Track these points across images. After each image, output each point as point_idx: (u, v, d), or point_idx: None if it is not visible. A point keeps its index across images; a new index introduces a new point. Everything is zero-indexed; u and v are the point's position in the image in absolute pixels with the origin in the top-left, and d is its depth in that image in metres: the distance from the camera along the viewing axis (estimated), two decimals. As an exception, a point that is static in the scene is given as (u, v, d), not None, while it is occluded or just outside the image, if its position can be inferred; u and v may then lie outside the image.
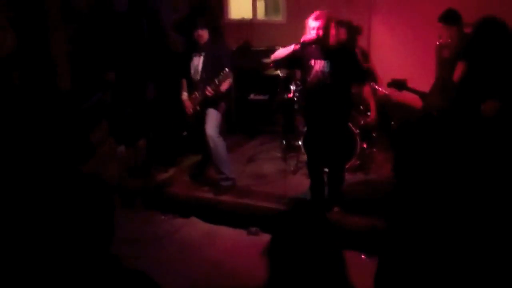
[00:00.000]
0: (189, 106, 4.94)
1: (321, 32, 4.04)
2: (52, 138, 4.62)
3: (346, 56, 4.17)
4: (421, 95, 4.66)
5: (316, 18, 4.05)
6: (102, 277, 1.43)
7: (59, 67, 5.13)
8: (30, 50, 4.80)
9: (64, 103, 4.98)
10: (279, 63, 4.51)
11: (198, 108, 4.86)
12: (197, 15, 5.18)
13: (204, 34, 4.78)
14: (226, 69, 4.55)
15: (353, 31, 5.64)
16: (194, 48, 4.89)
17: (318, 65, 4.15)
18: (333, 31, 4.08)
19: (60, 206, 1.42)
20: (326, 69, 4.10)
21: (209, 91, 4.61)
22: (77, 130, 4.99)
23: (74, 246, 1.42)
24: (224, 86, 4.68)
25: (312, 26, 4.06)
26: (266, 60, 4.32)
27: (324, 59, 4.12)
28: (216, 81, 4.58)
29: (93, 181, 1.49)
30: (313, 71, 4.16)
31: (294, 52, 4.15)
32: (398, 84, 4.55)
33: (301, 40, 4.08)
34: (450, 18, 4.70)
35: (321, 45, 4.12)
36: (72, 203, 1.43)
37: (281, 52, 4.28)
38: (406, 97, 5.16)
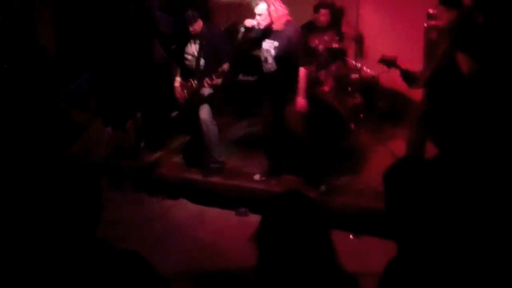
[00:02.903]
0: (181, 93, 4.90)
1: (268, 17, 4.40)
2: (38, 119, 4.57)
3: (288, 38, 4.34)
4: (408, 74, 4.61)
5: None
6: (92, 259, 1.43)
7: (45, 42, 5.05)
8: (17, 31, 4.72)
9: (50, 84, 4.91)
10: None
11: (189, 96, 4.86)
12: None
13: (197, 27, 4.73)
14: (225, 66, 4.55)
15: (336, 12, 5.59)
16: (188, 34, 4.81)
17: (266, 45, 4.45)
18: (273, 14, 4.32)
19: (47, 188, 1.41)
20: (272, 51, 4.39)
21: (207, 82, 4.63)
22: (63, 112, 4.94)
23: (62, 228, 1.41)
24: (220, 80, 4.71)
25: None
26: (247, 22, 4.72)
27: (271, 39, 4.42)
28: (215, 76, 4.61)
29: (78, 163, 1.47)
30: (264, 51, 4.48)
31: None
32: (388, 62, 4.52)
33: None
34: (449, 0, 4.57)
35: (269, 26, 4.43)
36: (58, 185, 1.42)
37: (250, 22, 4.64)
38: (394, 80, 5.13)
